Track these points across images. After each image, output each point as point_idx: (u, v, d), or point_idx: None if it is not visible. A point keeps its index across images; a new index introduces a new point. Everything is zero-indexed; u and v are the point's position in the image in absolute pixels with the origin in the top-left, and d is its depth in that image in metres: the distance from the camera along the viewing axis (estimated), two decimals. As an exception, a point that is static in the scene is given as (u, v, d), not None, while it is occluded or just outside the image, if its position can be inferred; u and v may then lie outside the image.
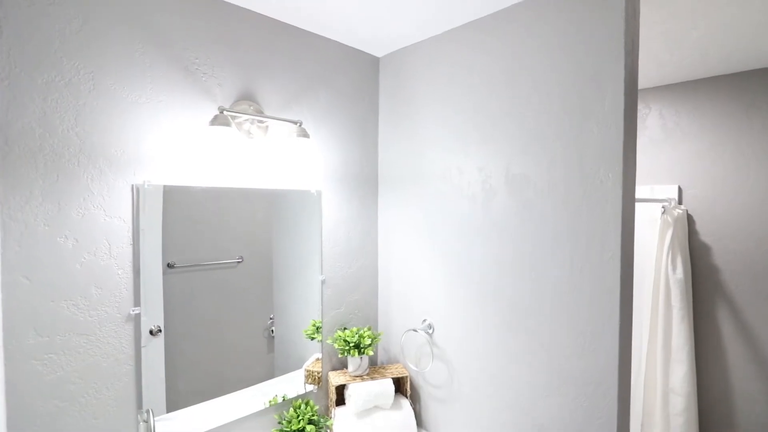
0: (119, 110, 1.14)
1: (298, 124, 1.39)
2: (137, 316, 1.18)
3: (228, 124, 1.20)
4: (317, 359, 1.66)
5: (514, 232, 1.34)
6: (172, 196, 1.24)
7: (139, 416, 1.18)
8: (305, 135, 1.38)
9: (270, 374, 1.52)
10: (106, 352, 1.13)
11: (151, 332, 1.23)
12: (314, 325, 1.65)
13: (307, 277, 1.62)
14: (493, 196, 1.40)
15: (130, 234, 1.17)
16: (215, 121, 1.19)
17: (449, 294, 1.55)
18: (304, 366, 1.63)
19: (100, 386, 1.12)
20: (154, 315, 1.23)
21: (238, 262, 1.43)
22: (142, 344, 1.21)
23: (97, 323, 1.11)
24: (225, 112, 1.22)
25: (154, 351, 1.23)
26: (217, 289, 1.38)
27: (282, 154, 1.45)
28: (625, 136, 1.10)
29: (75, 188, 1.07)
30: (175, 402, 1.27)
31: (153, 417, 1.23)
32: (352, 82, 1.72)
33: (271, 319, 1.55)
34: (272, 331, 1.54)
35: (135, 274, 1.17)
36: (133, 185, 1.16)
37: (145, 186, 1.18)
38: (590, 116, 1.16)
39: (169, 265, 1.26)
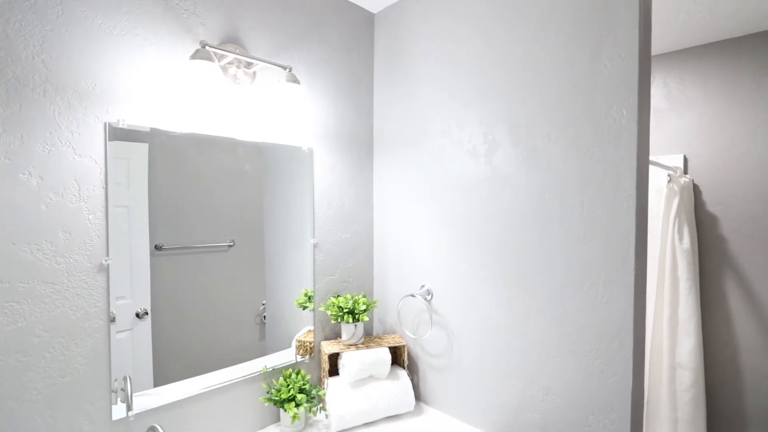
0: (91, 40, 1.04)
1: (288, 70, 1.30)
2: (110, 267, 1.08)
3: (210, 59, 1.11)
4: (309, 330, 1.57)
5: (519, 183, 1.26)
6: (157, 156, 1.15)
7: (115, 383, 1.09)
8: (295, 81, 1.29)
9: (261, 354, 1.42)
10: (76, 305, 1.03)
11: (137, 315, 1.15)
12: (306, 295, 1.55)
13: (299, 241, 1.52)
14: (496, 148, 1.31)
15: (103, 176, 1.07)
16: (196, 55, 1.10)
17: (451, 257, 1.46)
18: (295, 337, 1.53)
19: (69, 341, 1.02)
20: (140, 298, 1.14)
21: (230, 246, 1.34)
22: (128, 327, 1.12)
23: (65, 271, 1.01)
24: (207, 47, 1.12)
25: (141, 334, 1.15)
26: (207, 274, 1.28)
27: (271, 104, 1.36)
28: (640, 68, 1.02)
29: (40, 121, 0.97)
30: (162, 379, 1.18)
31: (130, 384, 1.14)
32: (346, 37, 1.63)
33: (263, 304, 1.45)
34: (264, 317, 1.44)
35: (107, 220, 1.07)
36: (106, 123, 1.06)
37: (120, 124, 1.08)
38: (601, 50, 1.08)
39: (157, 247, 1.17)
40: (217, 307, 1.31)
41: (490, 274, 1.34)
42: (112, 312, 1.09)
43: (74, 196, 1.02)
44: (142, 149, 1.14)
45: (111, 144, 1.07)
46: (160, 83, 1.15)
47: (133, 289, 1.13)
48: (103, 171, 1.07)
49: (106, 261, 1.07)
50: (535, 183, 1.22)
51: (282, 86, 1.28)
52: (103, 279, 1.07)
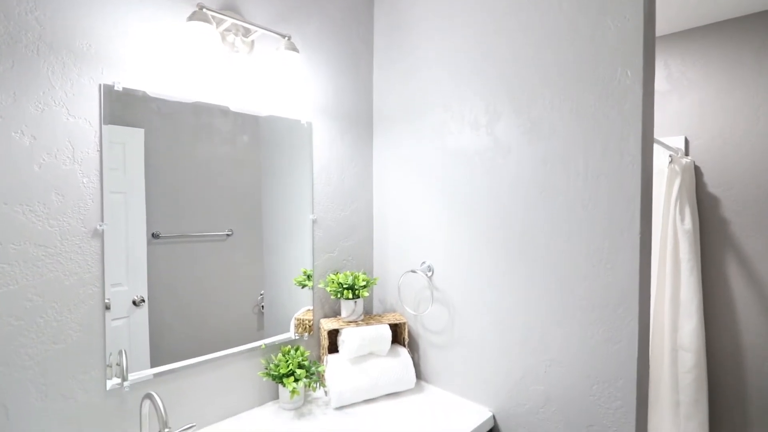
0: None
1: (287, 38, 1.27)
2: (104, 233, 1.05)
3: (208, 21, 1.08)
4: (308, 310, 1.54)
5: (521, 153, 1.24)
6: (153, 138, 1.13)
7: (110, 358, 1.06)
8: (294, 49, 1.27)
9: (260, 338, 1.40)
10: (69, 270, 1.00)
11: (134, 303, 1.12)
12: (305, 273, 1.53)
13: (298, 218, 1.50)
14: (497, 118, 1.30)
15: (97, 139, 1.04)
16: (194, 16, 1.08)
17: (452, 232, 1.44)
18: (294, 315, 1.51)
19: (62, 307, 1.00)
20: (137, 285, 1.12)
21: (228, 235, 1.31)
22: (125, 314, 1.10)
23: (58, 235, 0.99)
24: (204, 9, 1.10)
25: (138, 321, 1.12)
26: (205, 263, 1.25)
27: (269, 74, 1.34)
28: (645, 28, 1.00)
29: (33, 79, 0.95)
30: (158, 361, 1.16)
31: (126, 358, 1.11)
32: (345, 12, 1.61)
33: (261, 294, 1.42)
34: (262, 307, 1.42)
35: (102, 186, 1.05)
36: (101, 84, 1.04)
37: (116, 87, 1.06)
38: (606, 12, 1.06)
39: (154, 235, 1.15)
40: (215, 297, 1.28)
41: (493, 246, 1.32)
42: (108, 299, 1.06)
43: (68, 158, 1.00)
44: (137, 134, 1.12)
45: (106, 127, 1.05)
46: (157, 47, 1.13)
47: (130, 276, 1.11)
48: (97, 134, 1.04)
49: (100, 226, 1.05)
50: (537, 151, 1.20)
51: (281, 54, 1.26)
52: (98, 245, 1.05)
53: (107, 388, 1.06)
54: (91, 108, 1.03)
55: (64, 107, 0.99)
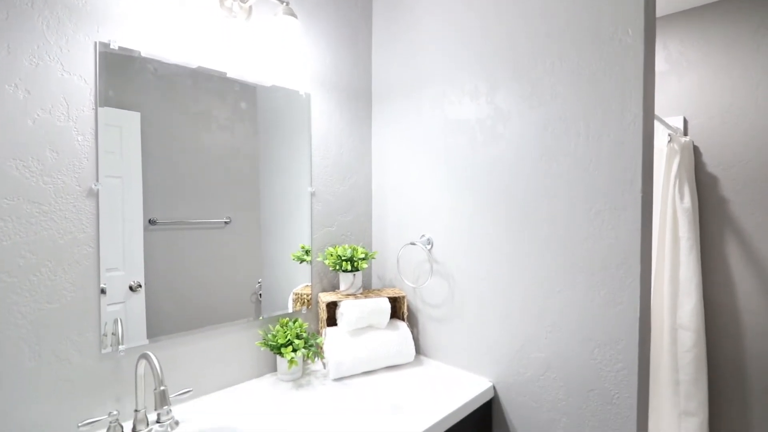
0: (81, -46, 1.00)
1: (285, 3, 1.26)
2: (99, 192, 1.04)
3: (206, -20, 1.07)
4: (306, 286, 1.53)
5: (522, 119, 1.23)
6: (150, 117, 1.11)
7: (105, 327, 1.04)
8: (292, 14, 1.26)
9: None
10: (64, 228, 0.99)
11: (131, 288, 1.11)
12: (303, 249, 1.52)
13: (296, 190, 1.48)
14: (498, 86, 1.29)
15: (93, 97, 1.03)
16: (191, -26, 1.06)
17: (453, 205, 1.42)
18: (292, 290, 1.49)
19: (56, 267, 0.98)
20: (133, 271, 1.11)
21: (226, 222, 1.29)
22: (121, 299, 1.08)
23: (53, 193, 0.97)
24: (203, -31, 1.09)
25: (134, 306, 1.11)
26: (202, 250, 1.24)
27: (267, 42, 1.32)
28: (646, -15, 1.00)
29: (28, 33, 0.93)
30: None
31: (122, 326, 1.10)
32: (344, -15, 1.60)
33: (259, 283, 1.41)
34: (260, 296, 1.40)
35: (97, 145, 1.03)
36: (96, 42, 1.03)
37: (111, 45, 1.04)
38: (607, -28, 1.05)
39: (151, 221, 1.13)
40: (213, 284, 1.26)
41: (494, 215, 1.31)
42: (104, 284, 1.05)
43: (63, 114, 0.98)
44: (134, 118, 1.11)
45: (102, 110, 1.03)
46: (154, 8, 1.12)
47: (126, 261, 1.09)
48: (93, 92, 1.03)
49: (95, 186, 1.03)
50: (538, 116, 1.19)
51: (279, 20, 1.25)
52: (93, 204, 1.03)
53: (102, 352, 1.05)
54: (86, 65, 1.02)
55: (59, 63, 0.98)
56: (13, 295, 0.92)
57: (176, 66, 1.16)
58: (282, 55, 1.40)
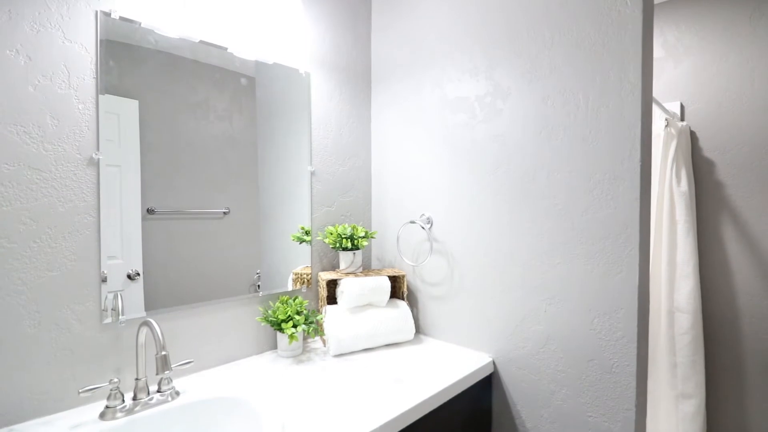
0: None
1: (286, -21, 1.27)
2: (100, 162, 1.03)
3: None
4: (306, 266, 1.53)
5: (521, 94, 1.24)
6: (148, 105, 1.10)
7: (105, 302, 1.04)
8: (293, -11, 1.26)
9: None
10: (64, 196, 0.99)
11: (129, 276, 1.10)
12: (303, 229, 1.52)
13: (296, 169, 1.49)
14: (497, 63, 1.29)
15: (93, 66, 1.02)
16: (192, -56, 1.07)
17: (453, 183, 1.43)
18: (292, 271, 1.49)
19: (56, 234, 0.98)
20: (131, 259, 1.10)
21: (225, 213, 1.29)
22: (120, 287, 1.08)
23: (53, 160, 0.97)
24: (204, -60, 1.09)
25: (133, 293, 1.10)
26: (200, 240, 1.23)
27: (268, 17, 1.32)
28: (645, -44, 1.01)
29: (29, -1, 0.93)
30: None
31: (121, 300, 1.10)
32: (344, -34, 1.61)
33: (257, 273, 1.41)
34: (258, 286, 1.40)
35: (98, 114, 1.03)
36: (97, 11, 1.03)
37: (112, 15, 1.04)
38: (605, -56, 1.06)
39: (149, 211, 1.13)
40: (211, 275, 1.26)
41: (494, 192, 1.32)
42: (104, 272, 1.05)
43: (63, 82, 0.98)
44: (132, 105, 1.11)
45: (102, 97, 1.03)
46: (154, -21, 1.12)
47: (125, 250, 1.09)
48: (93, 60, 1.02)
49: (96, 155, 1.03)
50: (537, 90, 1.20)
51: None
52: (93, 173, 1.03)
53: (102, 322, 1.04)
54: (87, 34, 1.01)
55: (60, 30, 0.98)
56: (13, 261, 0.92)
57: (178, 40, 1.16)
58: (282, 32, 1.40)
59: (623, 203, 1.04)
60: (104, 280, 1.05)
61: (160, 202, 1.15)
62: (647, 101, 1.03)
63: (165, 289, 1.16)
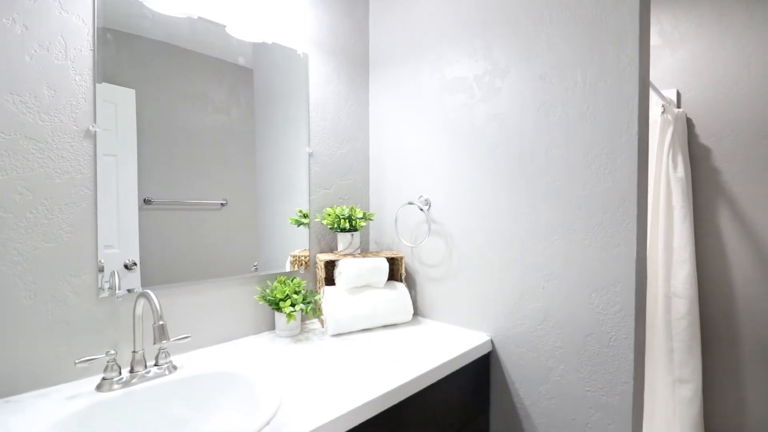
0: None
1: (284, -43, 1.26)
2: (96, 135, 1.03)
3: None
4: (304, 249, 1.53)
5: (519, 72, 1.24)
6: (145, 94, 1.10)
7: (101, 281, 1.03)
8: (292, -33, 1.26)
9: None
10: (61, 168, 0.98)
11: (126, 266, 1.10)
12: (301, 212, 1.51)
13: (294, 151, 1.48)
14: (494, 43, 1.30)
15: (91, 38, 1.02)
16: None
17: (452, 164, 1.43)
18: (290, 253, 1.49)
19: (53, 206, 0.97)
20: (128, 249, 1.10)
21: (222, 204, 1.29)
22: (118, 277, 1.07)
23: (50, 131, 0.96)
24: None
25: (130, 283, 1.10)
26: (198, 231, 1.23)
27: (266, -4, 1.32)
28: (642, -70, 1.01)
29: (25, -33, 0.93)
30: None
31: (119, 278, 1.09)
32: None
33: (255, 266, 1.40)
34: (256, 267, 1.39)
35: (95, 87, 1.03)
36: (94, -18, 1.02)
37: (109, -13, 1.04)
38: None
39: (146, 201, 1.13)
40: (208, 266, 1.25)
41: (492, 171, 1.32)
42: (101, 261, 1.04)
43: (60, 53, 0.98)
44: (129, 95, 1.10)
45: (99, 86, 1.02)
46: (152, -47, 1.11)
47: (121, 240, 1.08)
48: (90, 32, 1.02)
49: (93, 128, 1.02)
50: (535, 68, 1.20)
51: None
52: (90, 146, 1.02)
53: (99, 296, 1.04)
54: (84, 5, 1.01)
55: (57, 0, 0.97)
56: (9, 231, 0.91)
57: (176, 18, 1.15)
58: (280, 12, 1.40)
59: (621, 177, 1.05)
60: (101, 269, 1.04)
61: (157, 192, 1.15)
62: (644, 75, 1.03)
63: (162, 279, 1.15)
